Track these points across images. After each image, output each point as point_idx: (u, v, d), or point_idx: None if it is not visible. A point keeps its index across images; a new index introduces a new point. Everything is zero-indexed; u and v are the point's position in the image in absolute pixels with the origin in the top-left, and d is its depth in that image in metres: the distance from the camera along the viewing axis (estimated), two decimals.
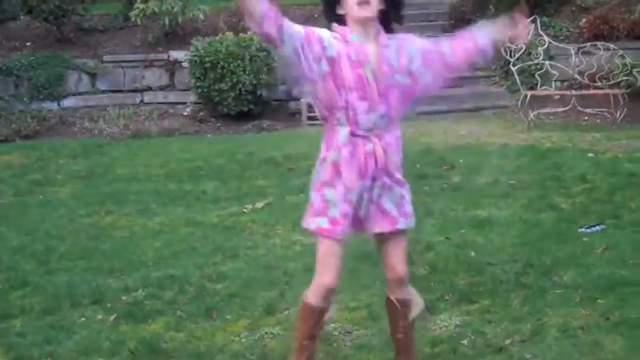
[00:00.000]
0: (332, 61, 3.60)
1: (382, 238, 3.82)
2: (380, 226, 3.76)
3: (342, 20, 3.69)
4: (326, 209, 3.72)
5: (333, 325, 4.65)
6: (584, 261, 5.59)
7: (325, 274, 3.74)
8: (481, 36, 3.79)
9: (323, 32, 3.65)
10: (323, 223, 3.71)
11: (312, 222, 3.77)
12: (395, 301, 3.87)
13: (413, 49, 3.73)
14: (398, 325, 3.93)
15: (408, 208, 3.80)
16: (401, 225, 3.77)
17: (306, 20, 14.46)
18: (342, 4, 3.65)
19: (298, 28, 3.60)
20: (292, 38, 3.56)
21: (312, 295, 3.81)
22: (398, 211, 3.76)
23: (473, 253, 5.91)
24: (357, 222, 3.75)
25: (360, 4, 3.59)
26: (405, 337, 3.95)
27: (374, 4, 3.62)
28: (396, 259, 3.80)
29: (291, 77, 3.55)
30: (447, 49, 3.77)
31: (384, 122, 3.68)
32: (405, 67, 3.69)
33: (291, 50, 3.56)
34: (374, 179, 3.69)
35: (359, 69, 3.61)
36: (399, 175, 3.78)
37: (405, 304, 3.91)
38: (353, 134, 3.66)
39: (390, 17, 3.73)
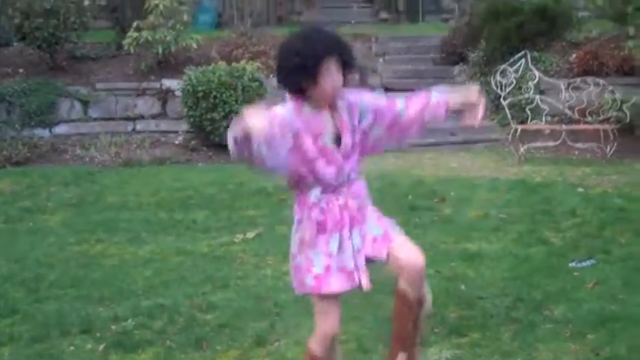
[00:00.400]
0: (295, 137, 3.62)
1: (387, 253, 3.79)
2: (384, 248, 3.77)
3: (300, 90, 3.66)
4: (310, 267, 3.75)
5: None
6: (574, 296, 5.61)
7: (324, 324, 3.79)
8: (437, 96, 3.83)
9: (282, 110, 3.64)
10: (310, 281, 3.75)
11: (301, 285, 3.82)
12: (413, 299, 3.81)
13: (364, 106, 3.77)
14: (408, 322, 3.87)
15: (385, 219, 3.87)
16: (393, 232, 3.84)
17: None
18: (312, 83, 3.60)
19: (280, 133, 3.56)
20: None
21: (315, 344, 3.85)
22: (382, 228, 3.82)
23: (463, 287, 5.92)
24: (351, 277, 3.75)
25: (335, 90, 3.64)
26: (414, 330, 3.93)
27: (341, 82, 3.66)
28: (409, 252, 3.77)
29: (264, 171, 3.53)
30: (401, 105, 3.81)
31: (352, 176, 3.78)
32: (357, 124, 3.74)
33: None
34: (351, 228, 3.75)
35: (319, 139, 3.66)
36: (370, 211, 3.85)
37: (421, 303, 3.88)
38: (324, 192, 3.73)
39: (347, 67, 3.71)
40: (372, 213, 3.86)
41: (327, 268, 3.73)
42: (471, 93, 3.85)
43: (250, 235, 7.63)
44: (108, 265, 6.92)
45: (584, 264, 6.34)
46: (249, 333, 5.19)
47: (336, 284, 3.73)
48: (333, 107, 3.70)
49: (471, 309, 5.45)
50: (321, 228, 3.73)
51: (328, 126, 3.68)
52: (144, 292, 6.10)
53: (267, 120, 3.35)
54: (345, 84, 3.72)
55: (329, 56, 3.59)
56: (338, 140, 3.69)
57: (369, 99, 3.82)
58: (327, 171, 3.69)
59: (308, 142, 3.65)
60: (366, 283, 3.74)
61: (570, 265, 6.35)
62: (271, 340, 5.07)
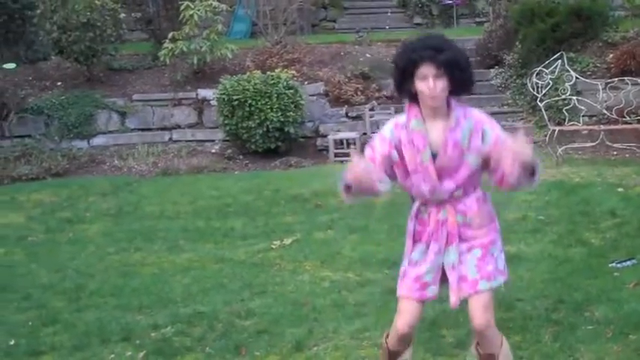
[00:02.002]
0: (398, 150, 3.75)
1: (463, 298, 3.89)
2: (463, 292, 3.83)
3: (414, 96, 3.71)
4: (403, 268, 3.95)
5: None
6: (615, 296, 5.54)
7: (398, 320, 3.92)
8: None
9: (386, 129, 3.81)
10: (399, 278, 3.94)
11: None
12: (478, 351, 3.99)
13: (489, 136, 3.72)
14: None
15: (490, 266, 3.85)
16: (482, 286, 3.82)
17: (332, 58, 14.58)
18: (413, 84, 3.65)
19: (383, 160, 3.77)
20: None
21: (390, 337, 4.01)
22: (480, 273, 3.82)
23: (502, 289, 5.84)
24: (423, 288, 3.88)
25: (434, 98, 3.64)
26: None
27: (442, 94, 3.64)
28: (475, 311, 3.83)
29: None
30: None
31: (458, 193, 3.79)
32: (477, 147, 3.71)
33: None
34: (448, 245, 3.82)
35: (417, 155, 3.71)
36: (481, 234, 3.85)
37: (489, 358, 3.95)
38: (425, 204, 3.84)
39: (458, 87, 3.70)
40: (479, 247, 3.84)
41: (404, 273, 3.90)
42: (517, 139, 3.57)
43: (287, 241, 7.64)
44: (147, 273, 6.97)
45: (624, 264, 6.26)
46: (287, 338, 5.19)
47: (405, 290, 3.88)
48: (448, 124, 3.69)
49: (511, 311, 5.40)
50: (417, 238, 3.88)
51: (432, 143, 3.70)
52: (183, 300, 6.13)
53: (365, 169, 3.56)
54: (466, 92, 3.73)
55: (424, 61, 3.58)
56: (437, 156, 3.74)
57: (495, 130, 3.74)
58: (422, 186, 3.76)
59: (409, 156, 3.73)
60: (453, 301, 3.83)
61: (610, 265, 6.27)
62: (310, 346, 5.07)
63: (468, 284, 3.82)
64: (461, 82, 3.68)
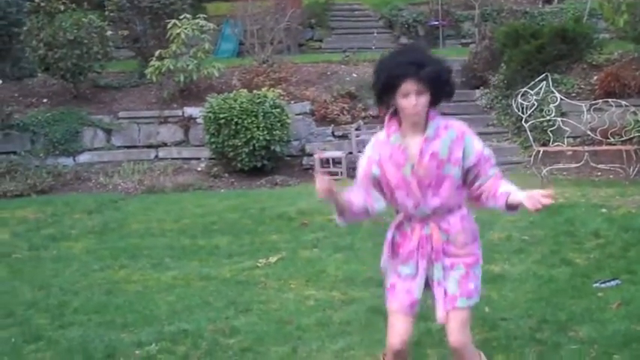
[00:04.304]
0: (379, 165, 3.77)
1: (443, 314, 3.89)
2: (443, 307, 3.85)
3: (391, 110, 3.74)
4: (386, 280, 3.99)
5: None
6: (599, 316, 5.56)
7: (390, 338, 3.92)
8: (504, 188, 3.74)
9: (367, 147, 3.84)
10: (385, 291, 3.98)
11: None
12: None
13: (469, 146, 3.73)
14: None
15: (472, 284, 3.86)
16: (460, 304, 3.83)
17: (319, 77, 14.63)
18: (393, 98, 3.65)
19: (367, 178, 3.82)
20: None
21: (387, 356, 3.98)
22: (460, 290, 3.83)
23: (487, 309, 5.87)
24: (414, 304, 3.90)
25: (414, 112, 3.64)
26: None
27: (424, 109, 3.65)
28: (452, 328, 3.85)
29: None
30: (491, 172, 3.78)
31: (441, 210, 3.79)
32: (459, 160, 3.72)
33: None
34: (432, 261, 3.82)
35: (399, 170, 3.73)
36: (465, 253, 3.85)
37: None
38: (409, 219, 3.83)
39: (439, 98, 3.72)
40: (462, 265, 3.85)
41: (393, 286, 3.90)
42: (536, 194, 3.60)
43: (273, 259, 7.64)
44: (131, 291, 6.95)
45: (608, 284, 6.29)
46: (271, 357, 5.18)
47: (396, 304, 3.88)
48: (427, 136, 3.70)
49: (495, 330, 5.41)
50: (395, 249, 3.88)
51: (411, 156, 3.71)
52: (167, 318, 6.11)
53: (329, 189, 3.62)
54: (447, 99, 3.75)
55: (406, 77, 3.57)
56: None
57: (478, 144, 3.76)
58: (406, 202, 3.76)
59: (391, 171, 3.74)
60: (440, 316, 3.84)
61: (594, 285, 6.30)
62: None
63: (447, 299, 3.82)
64: (442, 95, 3.71)
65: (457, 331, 3.82)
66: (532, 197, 3.55)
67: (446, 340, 3.95)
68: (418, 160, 3.69)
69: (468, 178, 3.77)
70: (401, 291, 3.86)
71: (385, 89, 3.64)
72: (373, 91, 3.75)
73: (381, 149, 3.77)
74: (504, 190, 3.72)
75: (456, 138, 3.71)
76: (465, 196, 3.85)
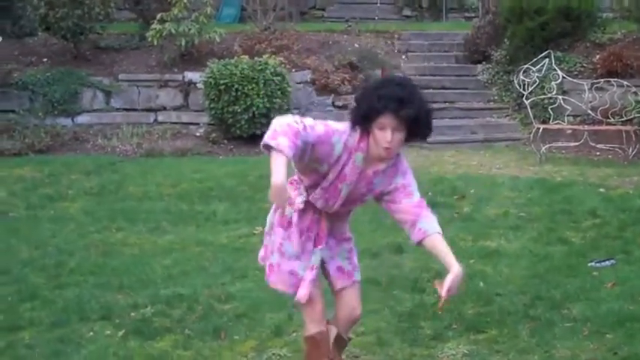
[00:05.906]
0: (329, 164, 3.70)
1: (340, 287, 4.05)
2: (342, 282, 4.02)
3: (366, 130, 3.69)
4: (268, 253, 4.07)
5: None
6: (593, 295, 5.60)
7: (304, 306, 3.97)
8: (426, 226, 3.81)
9: (335, 140, 3.67)
10: (267, 268, 4.10)
11: (262, 260, 4.18)
12: (347, 339, 4.18)
13: (399, 180, 3.81)
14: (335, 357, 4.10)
15: (355, 259, 4.09)
16: (356, 277, 4.06)
17: (321, 46, 14.56)
18: (373, 126, 3.62)
19: (315, 133, 3.62)
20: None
21: (308, 326, 4.01)
22: (350, 265, 4.05)
23: (482, 284, 5.91)
24: (297, 284, 3.93)
25: (387, 148, 3.64)
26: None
27: (397, 143, 3.65)
28: (356, 302, 4.07)
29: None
30: (415, 198, 3.84)
31: (340, 213, 3.96)
32: (381, 191, 3.83)
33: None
34: (316, 245, 3.91)
35: (339, 183, 3.75)
36: (344, 234, 4.06)
37: (344, 342, 4.18)
38: (308, 202, 3.87)
39: (414, 138, 3.72)
40: (347, 246, 4.06)
41: (278, 266, 3.95)
42: (455, 269, 3.77)
43: None
44: (128, 253, 6.97)
45: (603, 264, 6.32)
46: (266, 323, 5.22)
47: (280, 284, 3.97)
48: (379, 169, 3.75)
49: (489, 305, 5.45)
50: (287, 224, 3.89)
51: (357, 180, 3.74)
52: (163, 281, 6.14)
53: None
54: (422, 140, 3.77)
55: (387, 112, 3.56)
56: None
57: (408, 179, 3.83)
58: (320, 199, 3.83)
59: (332, 176, 3.73)
60: (302, 295, 3.88)
61: (590, 264, 6.33)
62: (288, 331, 5.10)
63: (344, 275, 4.01)
64: (418, 135, 3.71)
65: (358, 303, 4.07)
66: (450, 281, 3.73)
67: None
68: (361, 183, 3.77)
69: (382, 195, 3.87)
70: (285, 271, 3.93)
71: (364, 119, 3.63)
72: (352, 115, 3.71)
73: (343, 154, 3.69)
74: (424, 229, 3.80)
75: (394, 173, 3.80)
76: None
